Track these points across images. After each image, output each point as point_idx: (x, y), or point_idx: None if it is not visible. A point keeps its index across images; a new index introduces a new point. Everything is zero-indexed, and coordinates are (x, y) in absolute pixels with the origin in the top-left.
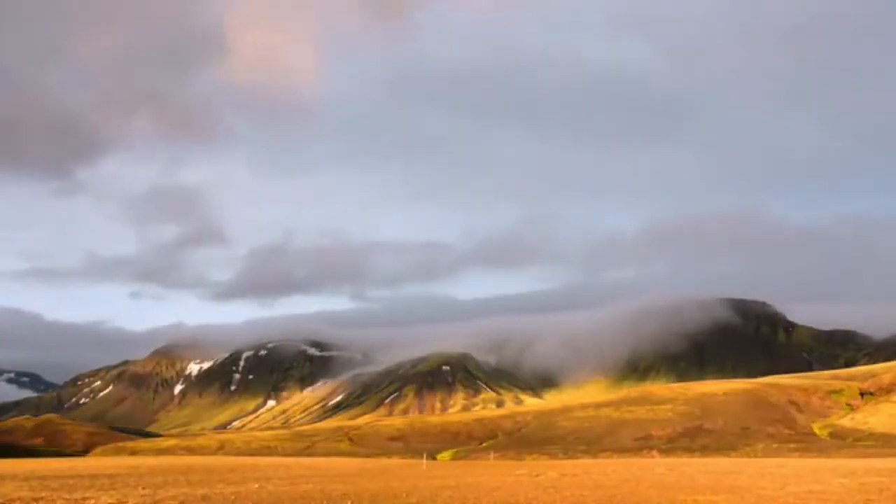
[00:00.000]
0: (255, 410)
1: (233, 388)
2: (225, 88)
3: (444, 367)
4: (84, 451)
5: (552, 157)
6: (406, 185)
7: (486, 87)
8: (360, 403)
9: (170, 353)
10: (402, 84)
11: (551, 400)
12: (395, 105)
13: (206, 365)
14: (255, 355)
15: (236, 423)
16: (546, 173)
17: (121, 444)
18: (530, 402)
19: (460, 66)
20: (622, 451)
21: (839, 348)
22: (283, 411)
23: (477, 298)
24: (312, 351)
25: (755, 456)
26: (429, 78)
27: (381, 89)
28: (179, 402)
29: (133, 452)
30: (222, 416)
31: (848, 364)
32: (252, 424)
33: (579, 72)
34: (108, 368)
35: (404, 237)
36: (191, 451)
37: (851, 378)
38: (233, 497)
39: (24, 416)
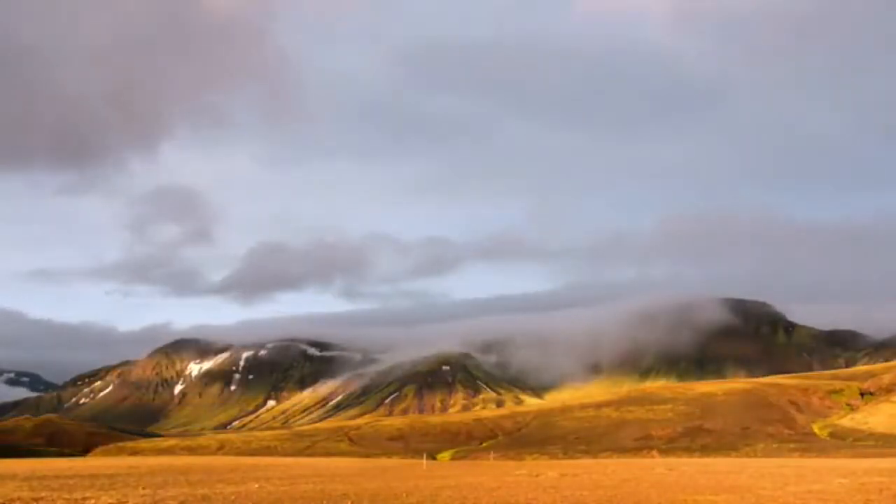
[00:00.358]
0: (255, 410)
1: (233, 388)
2: (224, 81)
3: (444, 367)
4: (84, 451)
5: (558, 149)
6: (406, 179)
7: (492, 73)
8: (360, 403)
9: (170, 353)
10: (404, 71)
11: (551, 400)
12: (396, 93)
13: (206, 365)
14: (255, 355)
15: (236, 423)
16: (551, 167)
17: (121, 444)
18: (530, 402)
19: (465, 51)
20: (622, 451)
21: (839, 348)
22: (283, 411)
23: (477, 298)
24: (312, 351)
25: (755, 456)
26: (433, 63)
27: (382, 76)
28: (179, 402)
29: (133, 452)
30: (222, 416)
31: (848, 364)
32: (252, 424)
33: (591, 59)
34: (108, 368)
35: (405, 234)
36: (191, 451)
37: (851, 378)
38: (233, 497)
39: (24, 416)
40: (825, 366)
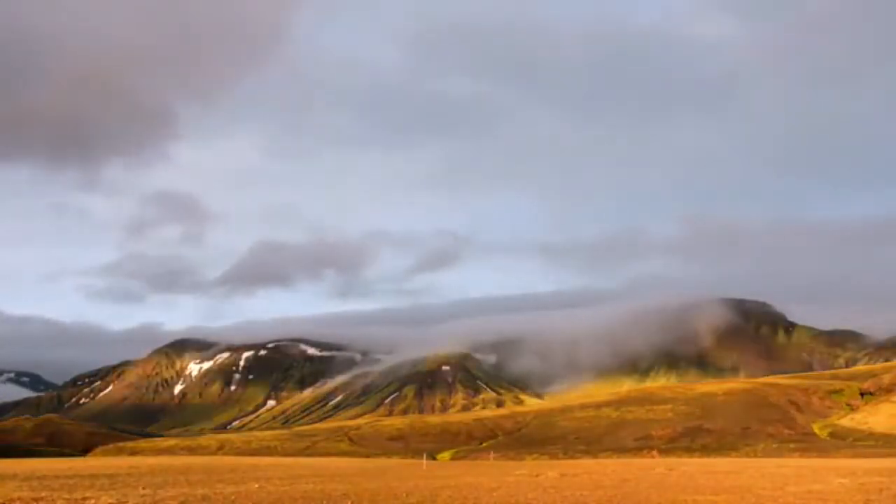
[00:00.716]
0: (255, 410)
1: (233, 388)
2: (226, 71)
3: (444, 367)
4: (84, 451)
5: (560, 144)
6: (408, 173)
7: (503, 61)
8: (360, 403)
9: (170, 353)
10: (409, 56)
11: (551, 400)
12: (399, 80)
13: (206, 365)
14: (255, 355)
15: (236, 423)
16: (552, 163)
17: (121, 444)
18: (530, 402)
19: (476, 35)
20: (622, 451)
21: (839, 348)
22: (283, 411)
23: (477, 298)
24: (312, 351)
25: (755, 456)
26: (440, 49)
27: (388, 61)
28: (179, 402)
29: (133, 452)
30: (222, 416)
31: (848, 364)
32: (252, 424)
33: (612, 39)
34: (108, 368)
35: (406, 232)
36: (191, 451)
37: (851, 378)
38: (233, 497)
39: (24, 416)
40: (825, 366)
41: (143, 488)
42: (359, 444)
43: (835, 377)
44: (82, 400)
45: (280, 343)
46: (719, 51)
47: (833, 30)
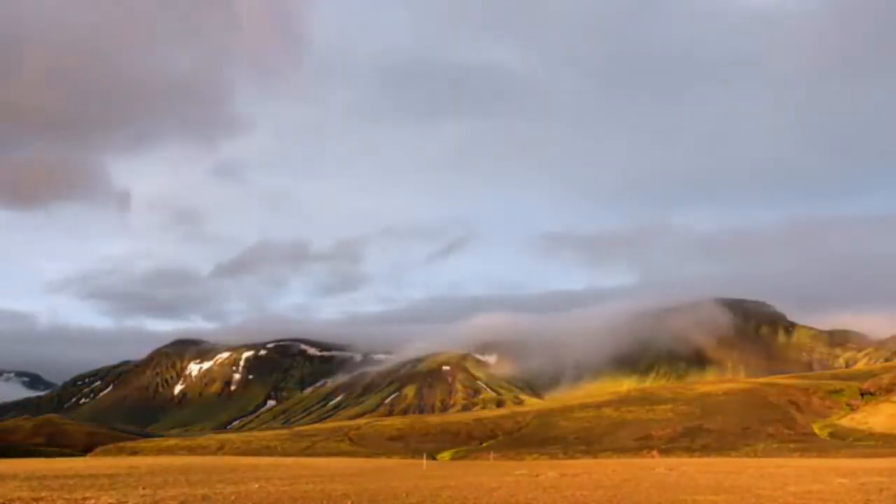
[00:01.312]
0: (255, 410)
1: (233, 388)
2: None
3: (444, 367)
4: (84, 451)
5: (560, 140)
6: (408, 168)
7: (522, 29)
8: (360, 403)
9: (170, 353)
10: (425, 22)
11: (551, 400)
12: (399, 61)
13: (206, 365)
14: (255, 355)
15: (236, 423)
16: (551, 161)
17: (121, 444)
18: (530, 402)
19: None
20: (622, 451)
21: (839, 348)
22: (284, 411)
23: (478, 297)
24: (312, 351)
25: (755, 456)
26: (456, 13)
27: (390, 36)
28: (179, 402)
29: (133, 452)
30: (222, 416)
31: (848, 364)
32: (252, 424)
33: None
34: (108, 368)
35: (406, 231)
36: (191, 451)
37: (851, 378)
38: (233, 497)
39: (24, 416)
40: (825, 366)
41: (143, 488)
42: (359, 444)
43: (835, 377)
44: (82, 400)
45: (280, 343)
46: (746, 27)
47: (870, 14)
